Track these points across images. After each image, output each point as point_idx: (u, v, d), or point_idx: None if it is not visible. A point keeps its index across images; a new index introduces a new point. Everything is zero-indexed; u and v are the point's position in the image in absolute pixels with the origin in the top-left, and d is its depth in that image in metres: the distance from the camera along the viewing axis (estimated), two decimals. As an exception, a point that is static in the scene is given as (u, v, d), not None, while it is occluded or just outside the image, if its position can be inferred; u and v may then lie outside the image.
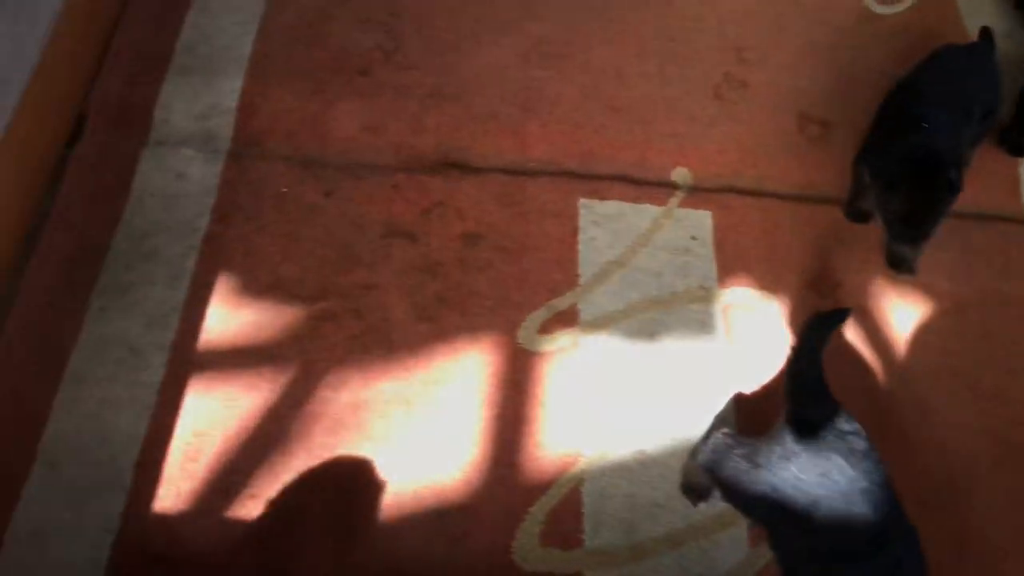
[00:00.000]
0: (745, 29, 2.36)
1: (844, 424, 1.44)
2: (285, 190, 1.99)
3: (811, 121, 2.20)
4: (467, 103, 2.15)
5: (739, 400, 1.79)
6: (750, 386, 1.81)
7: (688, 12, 2.38)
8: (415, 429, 1.72)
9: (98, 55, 2.15)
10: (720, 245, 1.98)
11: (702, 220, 2.01)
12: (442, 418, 1.73)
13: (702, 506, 1.65)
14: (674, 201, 2.02)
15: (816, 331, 1.68)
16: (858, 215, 2.01)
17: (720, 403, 1.79)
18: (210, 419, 1.70)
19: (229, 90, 2.11)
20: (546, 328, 1.84)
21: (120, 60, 2.15)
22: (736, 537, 1.65)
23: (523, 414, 1.75)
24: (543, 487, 1.67)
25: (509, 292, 1.87)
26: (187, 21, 2.23)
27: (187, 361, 1.75)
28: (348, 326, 1.82)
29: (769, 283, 1.94)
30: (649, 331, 1.86)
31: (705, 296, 1.91)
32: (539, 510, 1.65)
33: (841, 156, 2.12)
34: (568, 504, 1.66)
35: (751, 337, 1.87)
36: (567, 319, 1.86)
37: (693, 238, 1.99)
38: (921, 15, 2.44)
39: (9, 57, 1.81)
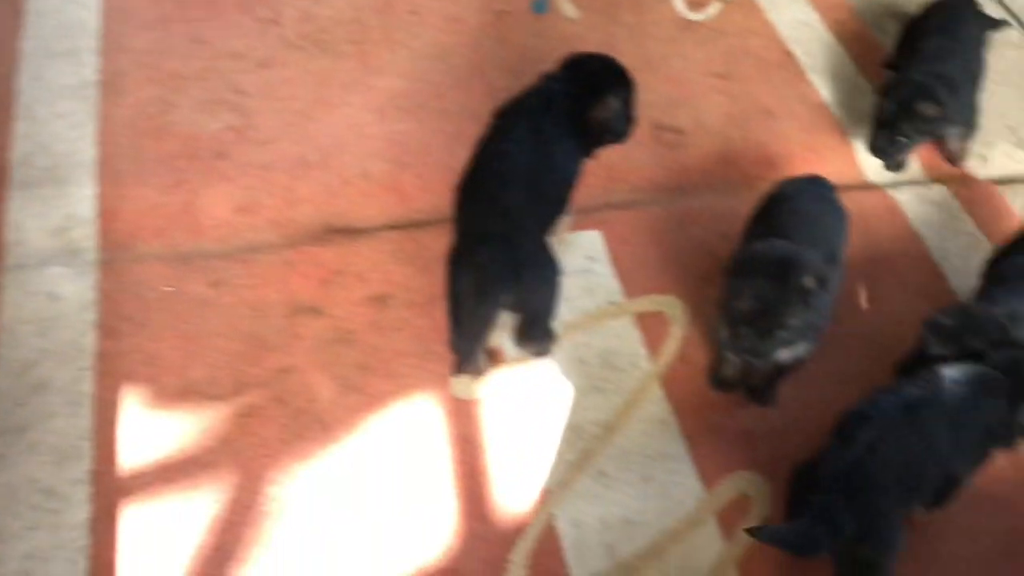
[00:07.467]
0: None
1: None
2: (169, 289, 1.87)
3: (665, 129, 2.30)
4: (335, 166, 2.11)
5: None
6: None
7: (527, 46, 2.44)
8: (375, 505, 1.65)
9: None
10: (616, 259, 2.03)
11: (593, 240, 2.06)
12: (400, 488, 1.68)
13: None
14: (562, 227, 2.05)
15: None
16: (722, 383, 1.85)
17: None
18: (154, 545, 1.57)
19: (83, 197, 1.98)
20: (477, 372, 1.82)
21: (-51, 187, 1.97)
22: (709, 534, 1.69)
23: (478, 465, 1.72)
24: (517, 531, 1.65)
25: (431, 345, 1.84)
26: (16, 133, 2.07)
27: (112, 490, 1.61)
28: (274, 416, 1.73)
29: (669, 285, 2.01)
30: (575, 355, 1.88)
31: (616, 311, 1.95)
32: (519, 556, 1.62)
33: (699, 155, 2.23)
34: (546, 542, 1.64)
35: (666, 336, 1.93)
36: (494, 358, 1.85)
37: (590, 258, 2.03)
38: (730, 15, 2.62)
39: None
